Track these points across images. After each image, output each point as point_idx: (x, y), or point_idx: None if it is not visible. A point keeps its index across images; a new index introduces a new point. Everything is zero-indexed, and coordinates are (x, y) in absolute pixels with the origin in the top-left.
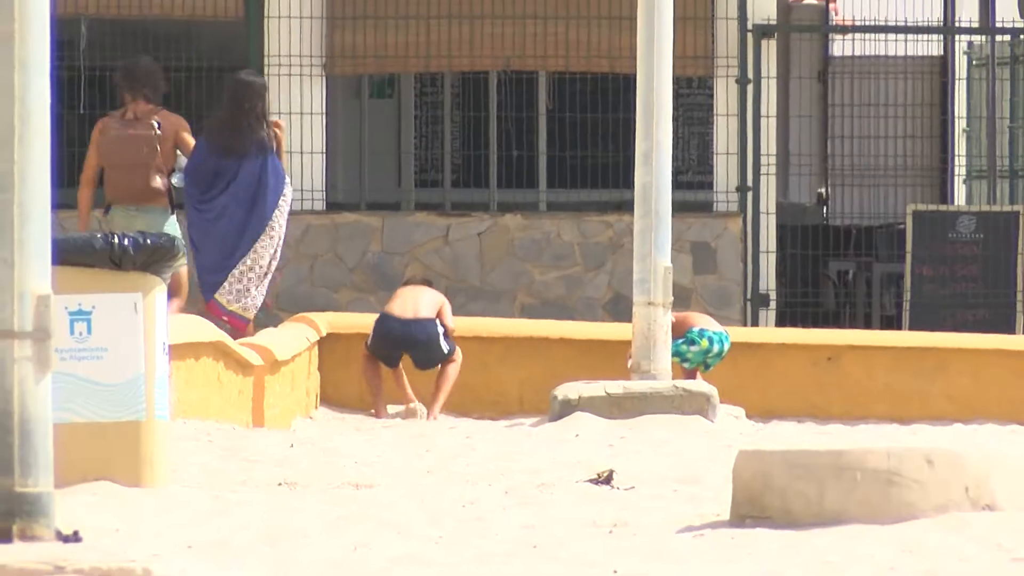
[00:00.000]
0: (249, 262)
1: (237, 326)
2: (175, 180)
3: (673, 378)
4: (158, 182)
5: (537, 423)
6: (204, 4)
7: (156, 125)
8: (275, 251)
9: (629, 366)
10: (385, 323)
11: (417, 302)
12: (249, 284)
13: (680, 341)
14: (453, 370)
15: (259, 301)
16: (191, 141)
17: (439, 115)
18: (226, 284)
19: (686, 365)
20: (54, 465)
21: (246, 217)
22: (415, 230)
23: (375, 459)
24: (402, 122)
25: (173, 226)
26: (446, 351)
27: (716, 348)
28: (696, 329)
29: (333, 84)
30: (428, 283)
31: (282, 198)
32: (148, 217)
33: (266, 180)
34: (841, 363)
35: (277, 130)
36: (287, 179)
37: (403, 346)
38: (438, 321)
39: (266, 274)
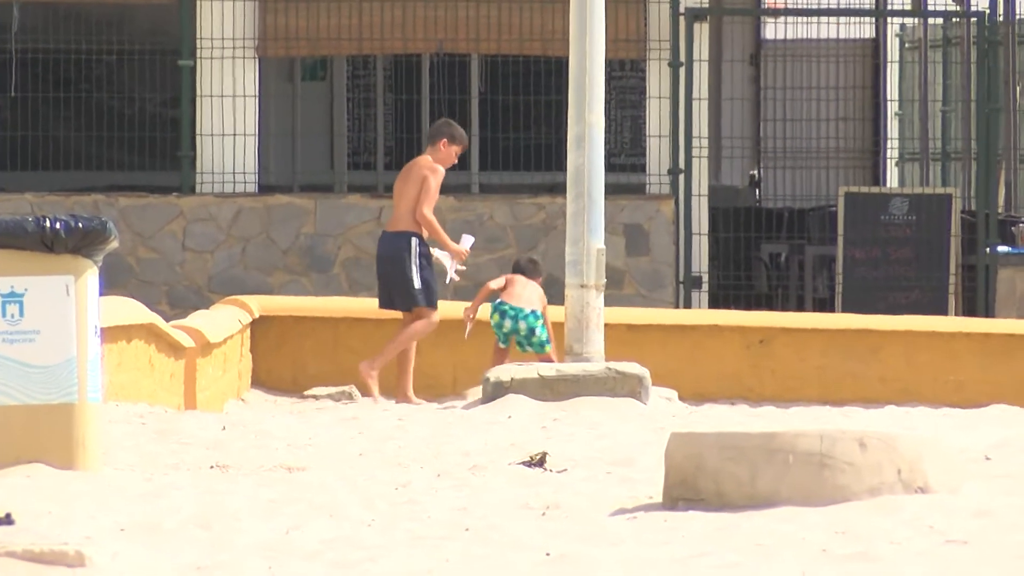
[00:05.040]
0: None
1: None
2: None
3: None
4: None
5: (469, 405)
6: None
7: None
8: None
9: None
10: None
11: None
12: None
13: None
14: (419, 328)
15: None
16: None
17: (371, 98)
18: None
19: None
20: None
21: None
22: (348, 212)
23: (307, 442)
24: (334, 104)
25: None
26: (416, 286)
27: (509, 325)
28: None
29: (265, 66)
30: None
31: None
32: None
33: None
34: (774, 346)
35: None
36: None
37: (380, 270)
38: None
39: None
